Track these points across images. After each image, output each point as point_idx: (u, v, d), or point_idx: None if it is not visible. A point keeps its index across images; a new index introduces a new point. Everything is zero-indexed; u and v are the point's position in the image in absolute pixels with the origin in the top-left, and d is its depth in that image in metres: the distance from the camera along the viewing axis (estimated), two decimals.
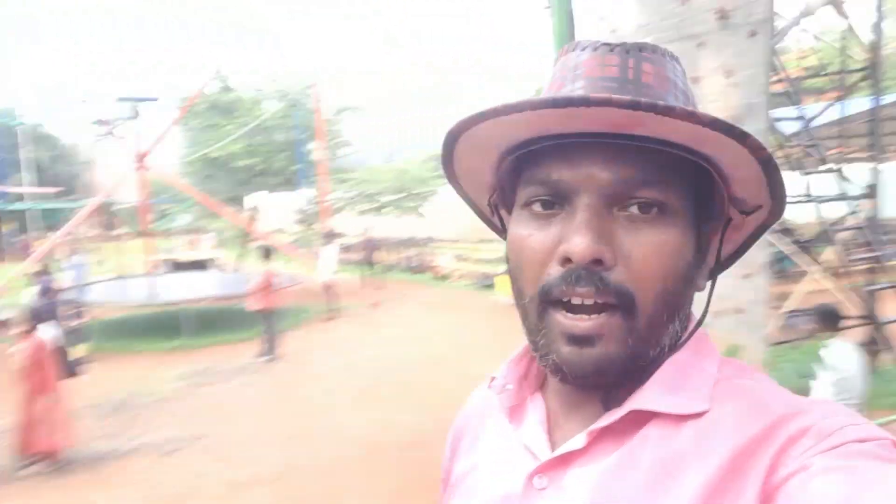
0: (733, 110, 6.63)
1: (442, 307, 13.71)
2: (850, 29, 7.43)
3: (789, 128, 7.09)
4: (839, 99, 7.73)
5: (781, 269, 7.96)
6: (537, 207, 0.61)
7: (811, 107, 7.88)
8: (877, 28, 7.24)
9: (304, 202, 22.53)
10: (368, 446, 6.33)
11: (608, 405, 0.61)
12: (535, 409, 0.68)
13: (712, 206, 0.63)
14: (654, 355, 0.61)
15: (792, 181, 7.47)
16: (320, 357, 9.99)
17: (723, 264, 0.68)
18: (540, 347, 0.61)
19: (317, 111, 19.05)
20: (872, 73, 7.20)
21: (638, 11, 7.58)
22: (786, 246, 7.41)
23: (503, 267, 13.14)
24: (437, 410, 7.10)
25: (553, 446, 0.64)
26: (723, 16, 6.64)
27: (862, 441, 0.50)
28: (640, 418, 0.59)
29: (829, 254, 7.30)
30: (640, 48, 0.62)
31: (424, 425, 6.69)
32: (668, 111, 0.53)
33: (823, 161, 7.05)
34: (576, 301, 0.58)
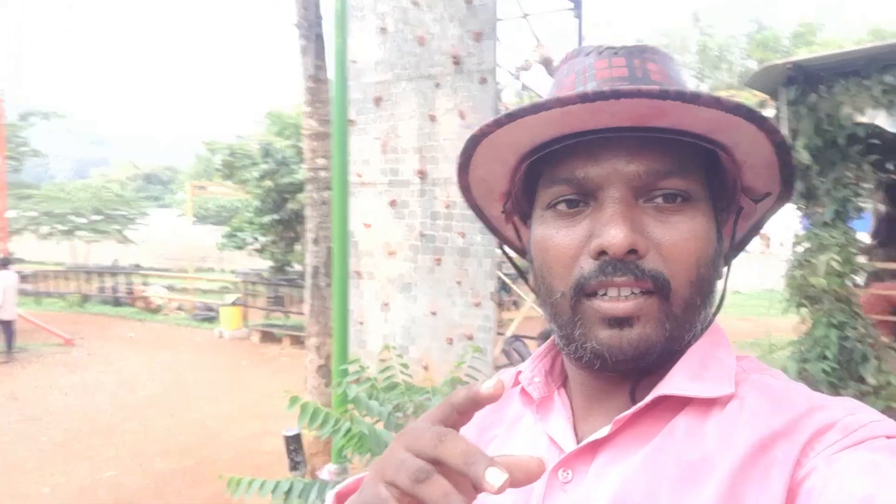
0: None
1: (154, 344, 12.24)
2: None
3: None
4: None
5: (499, 298, 8.61)
6: (562, 207, 0.62)
7: None
8: None
9: None
10: None
11: (635, 396, 0.62)
12: (561, 404, 0.68)
13: (725, 195, 0.65)
14: (688, 339, 0.62)
15: None
16: None
17: (734, 251, 0.71)
18: (577, 338, 0.61)
19: None
20: None
21: (377, 46, 7.76)
22: (505, 276, 8.08)
23: (230, 297, 12.19)
24: (151, 461, 6.20)
25: (578, 439, 0.64)
26: (457, 61, 7.12)
27: (889, 437, 0.50)
28: (666, 407, 0.59)
29: None
30: (642, 50, 0.65)
31: (135, 482, 5.76)
32: (694, 98, 0.55)
33: None
34: (612, 293, 0.59)
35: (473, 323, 7.12)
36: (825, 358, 4.89)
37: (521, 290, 8.47)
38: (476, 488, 0.39)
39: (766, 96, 5.65)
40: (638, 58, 0.64)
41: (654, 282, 0.58)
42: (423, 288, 7.46)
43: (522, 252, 0.77)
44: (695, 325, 0.62)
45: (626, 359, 0.59)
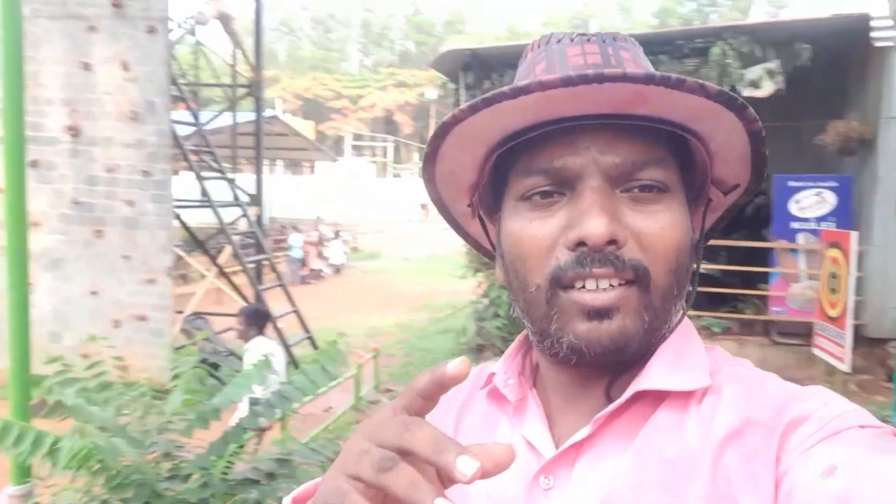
0: (133, 105, 6.25)
1: None
2: (239, 47, 8.02)
3: (184, 131, 7.14)
4: (228, 110, 8.23)
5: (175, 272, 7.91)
6: (537, 198, 0.60)
7: (205, 114, 8.13)
8: (258, 51, 8.04)
9: None
10: None
11: (611, 394, 0.61)
12: (535, 405, 0.66)
13: (696, 186, 0.66)
14: (664, 331, 0.62)
15: (191, 185, 7.56)
16: None
17: (702, 242, 0.70)
18: (552, 333, 0.59)
19: None
20: (255, 91, 7.94)
21: None
22: (182, 249, 7.43)
23: None
24: None
25: (556, 442, 0.62)
26: (117, 4, 6.17)
27: (862, 427, 0.51)
28: (644, 402, 0.59)
29: (224, 255, 7.64)
30: (614, 37, 0.64)
31: None
32: (679, 84, 0.54)
33: (219, 168, 7.37)
34: (590, 285, 0.57)
35: (147, 301, 6.39)
36: (498, 315, 5.62)
37: (198, 263, 7.87)
38: (446, 478, 0.36)
39: (447, 78, 6.16)
40: (611, 45, 0.63)
41: (634, 272, 0.57)
42: (78, 265, 6.42)
43: (489, 250, 0.74)
44: (671, 317, 0.62)
45: (605, 352, 0.58)
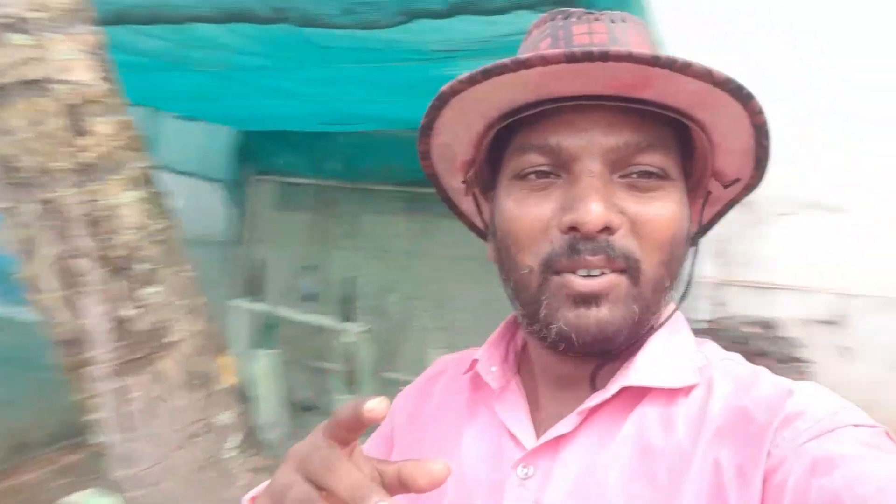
0: None
1: None
2: None
3: None
4: None
5: None
6: (532, 177, 0.59)
7: None
8: None
9: None
10: None
11: (596, 384, 0.61)
12: (517, 393, 0.67)
13: (696, 177, 0.65)
14: (653, 322, 0.61)
15: None
16: None
17: (699, 234, 0.69)
18: (541, 318, 0.59)
19: None
20: None
21: None
22: None
23: None
24: None
25: (538, 430, 0.62)
26: None
27: (856, 426, 0.50)
28: (631, 397, 0.59)
29: None
30: (622, 18, 0.62)
31: None
32: (685, 68, 0.52)
33: None
34: (581, 273, 0.57)
35: None
36: None
37: None
38: None
39: None
40: (619, 26, 0.61)
41: (625, 261, 0.57)
42: None
43: (480, 228, 0.72)
44: (661, 308, 0.61)
45: (594, 340, 0.57)
